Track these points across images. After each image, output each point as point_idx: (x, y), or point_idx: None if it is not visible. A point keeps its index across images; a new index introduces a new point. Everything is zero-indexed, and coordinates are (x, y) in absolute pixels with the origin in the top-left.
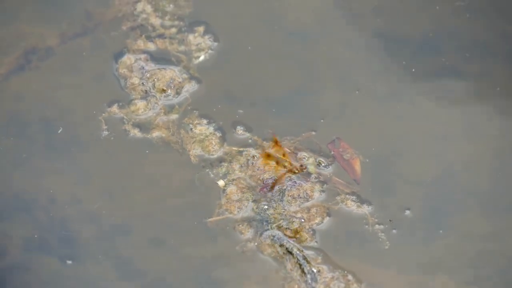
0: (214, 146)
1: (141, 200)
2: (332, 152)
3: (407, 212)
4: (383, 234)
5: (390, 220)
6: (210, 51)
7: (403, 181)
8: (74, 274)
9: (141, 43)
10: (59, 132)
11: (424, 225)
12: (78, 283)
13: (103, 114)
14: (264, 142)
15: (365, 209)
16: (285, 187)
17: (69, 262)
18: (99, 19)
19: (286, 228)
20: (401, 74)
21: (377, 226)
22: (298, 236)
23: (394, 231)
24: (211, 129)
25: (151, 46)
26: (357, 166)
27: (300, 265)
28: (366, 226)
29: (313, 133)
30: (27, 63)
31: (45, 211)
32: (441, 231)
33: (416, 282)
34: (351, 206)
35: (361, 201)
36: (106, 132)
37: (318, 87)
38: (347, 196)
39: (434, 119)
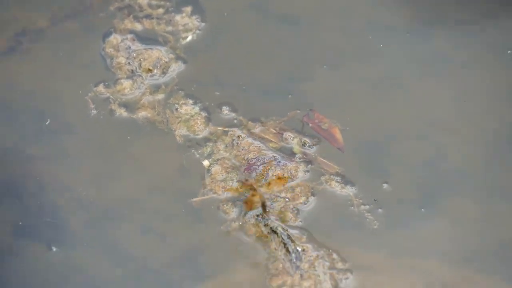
0: (200, 126)
1: (128, 183)
2: (310, 125)
3: (386, 186)
4: (369, 214)
5: (375, 200)
6: (197, 32)
7: (393, 163)
8: (62, 261)
9: (128, 23)
10: (47, 123)
11: (413, 206)
12: (66, 269)
13: (90, 94)
14: (250, 123)
15: (349, 190)
16: (269, 167)
17: (55, 249)
18: (88, 1)
19: (270, 208)
20: (392, 58)
21: (362, 206)
22: (282, 215)
23: (380, 210)
24: (196, 109)
25: (138, 26)
26: (338, 135)
27: (285, 244)
28: (352, 207)
29: (298, 111)
30: (18, 44)
31: (33, 197)
32: (429, 212)
33: (404, 263)
34: (335, 186)
35: (345, 182)
36: (94, 112)
37: (307, 70)
38: (332, 176)
39: (427, 102)
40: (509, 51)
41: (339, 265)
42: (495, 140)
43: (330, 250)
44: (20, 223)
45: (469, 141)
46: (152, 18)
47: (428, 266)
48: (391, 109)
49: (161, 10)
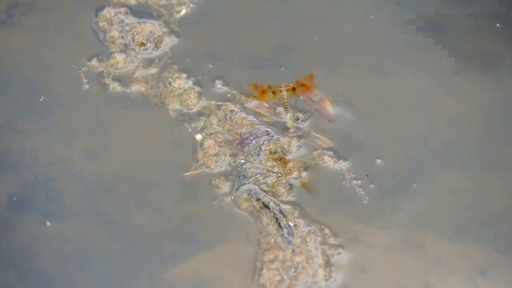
0: (193, 100)
1: (121, 157)
2: (301, 97)
3: (381, 163)
4: (361, 189)
5: (367, 175)
6: (191, 5)
7: (383, 136)
8: (57, 233)
9: None
10: (41, 100)
11: (406, 181)
12: (61, 241)
13: (83, 68)
14: (243, 97)
15: (342, 164)
16: (262, 142)
17: (48, 223)
18: None
19: (263, 182)
20: (385, 30)
21: (354, 181)
22: (274, 190)
23: (372, 185)
24: (190, 83)
25: (131, 0)
26: (328, 106)
27: (277, 219)
28: (344, 182)
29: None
30: (9, 17)
31: (28, 170)
32: (422, 186)
33: (397, 237)
34: (327, 161)
35: (338, 156)
36: (86, 86)
37: (298, 42)
38: (324, 151)
39: (420, 75)
40: (497, 25)
41: (331, 240)
42: (487, 115)
43: (322, 225)
44: (14, 198)
45: (461, 115)
46: None
47: (420, 240)
48: (383, 81)
49: None
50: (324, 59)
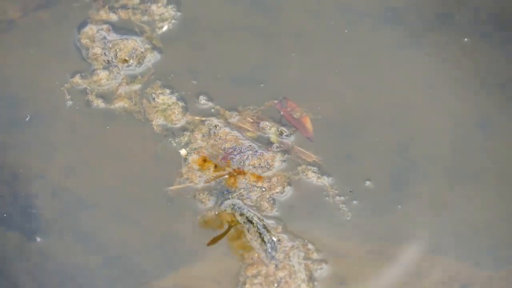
0: (177, 115)
1: (104, 173)
2: (281, 113)
3: (368, 182)
4: (344, 205)
5: (350, 191)
6: (173, 21)
7: (364, 150)
8: (37, 249)
9: (103, 14)
10: (27, 119)
11: (385, 194)
12: (41, 258)
13: (66, 85)
14: (227, 112)
15: (325, 180)
16: (246, 157)
17: (39, 239)
18: None
19: (247, 197)
20: (363, 45)
21: (337, 197)
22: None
23: (355, 202)
24: (173, 98)
25: (113, 17)
26: (308, 124)
27: (260, 234)
28: (327, 198)
29: (276, 101)
30: None
31: (7, 186)
32: (402, 200)
33: (377, 250)
34: (311, 177)
35: (322, 172)
36: (69, 103)
37: (278, 58)
38: (308, 166)
39: (396, 88)
40: (465, 39)
41: (314, 255)
42: (464, 125)
43: (306, 241)
44: None
45: (439, 127)
46: (128, 8)
47: (401, 253)
48: (361, 95)
49: (136, 0)
50: (303, 75)
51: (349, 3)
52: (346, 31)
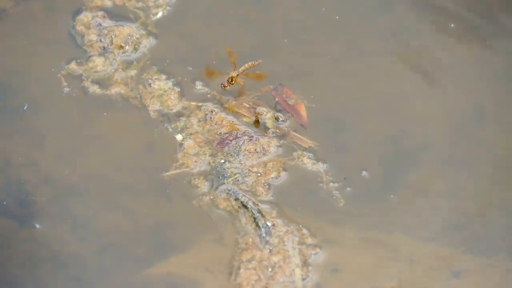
0: (173, 101)
1: (99, 159)
2: (276, 99)
3: (363, 172)
4: (337, 192)
5: (344, 178)
6: (168, 8)
7: (357, 138)
8: (30, 236)
9: (98, 1)
10: (24, 108)
11: (379, 182)
12: (33, 245)
13: (62, 72)
14: (223, 97)
15: (320, 166)
16: (242, 142)
17: (38, 226)
18: None
19: (242, 182)
20: (356, 33)
21: (331, 184)
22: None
23: (348, 189)
24: (169, 84)
25: (108, 4)
26: (303, 111)
27: (255, 218)
28: (321, 184)
29: (271, 86)
30: None
31: (1, 173)
32: (395, 188)
33: (373, 239)
34: (306, 162)
35: (317, 158)
36: (66, 89)
37: (274, 48)
38: (304, 152)
39: (390, 77)
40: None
41: (309, 240)
42: (459, 115)
43: (300, 226)
44: None
45: (432, 116)
46: None
47: (394, 240)
48: (354, 84)
49: None
50: (296, 62)
51: None
52: (337, 17)
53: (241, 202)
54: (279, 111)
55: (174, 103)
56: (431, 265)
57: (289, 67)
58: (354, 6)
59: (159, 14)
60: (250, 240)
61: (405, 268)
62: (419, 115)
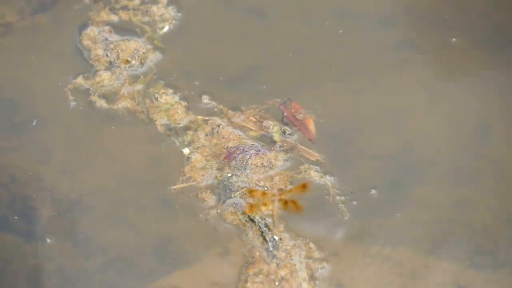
0: (180, 115)
1: (106, 173)
2: (285, 113)
3: (371, 188)
4: (343, 205)
5: (351, 192)
6: (174, 22)
7: (363, 154)
8: (34, 252)
9: (104, 15)
10: (33, 124)
11: (385, 196)
12: (38, 260)
13: (69, 86)
14: (230, 111)
15: (327, 179)
16: (249, 156)
17: (49, 240)
18: None
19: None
20: (360, 48)
21: (337, 197)
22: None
23: (354, 202)
24: (176, 98)
25: (114, 18)
26: (311, 126)
27: (262, 232)
28: (327, 197)
29: (278, 100)
30: None
31: (5, 188)
32: (401, 203)
33: (375, 253)
34: (314, 176)
35: (324, 171)
36: (73, 103)
37: (280, 62)
38: (311, 166)
39: (395, 93)
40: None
41: (316, 254)
42: (463, 130)
43: (307, 240)
44: None
45: (436, 131)
46: (129, 9)
47: (397, 254)
48: (359, 98)
49: (137, 1)
50: (302, 76)
51: (346, 8)
52: (340, 31)
53: (248, 216)
54: (286, 124)
55: (181, 117)
56: (436, 280)
57: (294, 81)
58: (356, 20)
59: (166, 29)
60: (257, 253)
61: (410, 283)
62: (425, 130)
